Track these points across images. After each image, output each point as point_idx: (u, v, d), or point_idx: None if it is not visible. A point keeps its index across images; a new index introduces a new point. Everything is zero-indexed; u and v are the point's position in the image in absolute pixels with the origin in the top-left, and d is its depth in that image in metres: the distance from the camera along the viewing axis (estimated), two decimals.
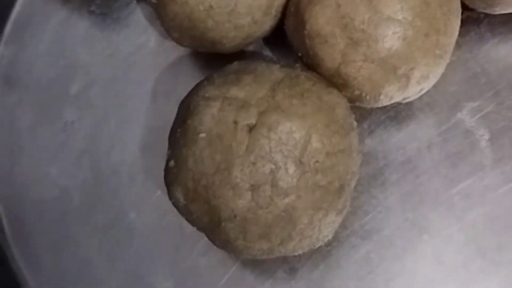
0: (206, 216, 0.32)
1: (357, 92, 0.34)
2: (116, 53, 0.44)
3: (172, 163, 0.33)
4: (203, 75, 0.39)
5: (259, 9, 0.36)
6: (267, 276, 0.38)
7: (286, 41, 0.38)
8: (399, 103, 0.38)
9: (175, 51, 0.43)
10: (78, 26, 0.45)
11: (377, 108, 0.38)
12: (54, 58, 0.45)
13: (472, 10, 0.40)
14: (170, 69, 0.43)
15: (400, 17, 0.33)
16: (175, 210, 0.34)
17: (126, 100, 0.43)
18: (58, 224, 0.41)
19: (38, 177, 0.42)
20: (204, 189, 0.31)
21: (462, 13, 0.37)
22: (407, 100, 0.37)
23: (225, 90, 0.32)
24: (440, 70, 0.36)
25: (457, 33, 0.36)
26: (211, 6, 0.35)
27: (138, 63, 0.44)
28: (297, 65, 0.36)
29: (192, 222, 0.33)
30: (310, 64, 0.35)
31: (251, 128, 0.31)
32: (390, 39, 0.33)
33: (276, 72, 0.33)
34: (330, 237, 0.34)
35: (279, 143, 0.31)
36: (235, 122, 0.31)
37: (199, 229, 0.33)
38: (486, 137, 0.39)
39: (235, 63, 0.35)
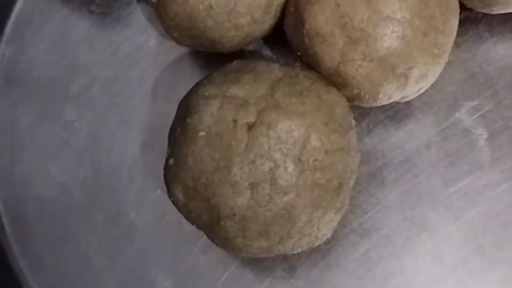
0: (206, 214, 0.32)
1: (356, 91, 0.35)
2: (117, 52, 0.44)
3: (171, 161, 0.33)
4: (203, 74, 0.38)
5: (259, 9, 0.36)
6: (266, 274, 0.38)
7: (286, 41, 0.38)
8: (398, 103, 0.38)
9: (175, 51, 0.43)
10: (79, 26, 0.45)
11: (376, 107, 0.38)
12: (54, 57, 0.45)
13: (470, 10, 0.40)
14: (170, 69, 0.43)
15: (398, 16, 0.33)
16: (175, 208, 0.34)
17: (126, 99, 0.43)
18: (59, 222, 0.41)
19: (38, 175, 0.43)
20: (204, 187, 0.31)
21: (460, 13, 0.37)
22: (405, 100, 0.37)
23: (225, 89, 0.32)
24: (438, 69, 0.36)
25: (455, 32, 0.36)
26: (211, 6, 0.35)
27: (138, 62, 0.44)
28: (297, 64, 0.36)
29: (192, 221, 0.34)
30: (309, 63, 0.36)
31: (250, 127, 0.31)
32: (389, 38, 0.33)
33: (276, 71, 0.33)
34: (329, 235, 0.34)
35: (278, 141, 0.31)
36: (235, 121, 0.31)
37: (198, 227, 0.34)
38: (485, 136, 0.40)
39: (235, 62, 0.35)
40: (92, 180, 0.42)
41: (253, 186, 0.31)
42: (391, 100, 0.36)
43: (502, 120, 0.40)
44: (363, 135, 0.40)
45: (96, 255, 0.40)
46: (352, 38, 0.33)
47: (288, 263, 0.38)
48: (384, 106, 0.38)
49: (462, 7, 0.38)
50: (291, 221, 0.31)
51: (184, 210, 0.33)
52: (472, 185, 0.39)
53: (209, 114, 0.32)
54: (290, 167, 0.31)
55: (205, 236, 0.34)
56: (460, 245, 0.38)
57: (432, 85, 0.37)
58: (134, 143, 0.42)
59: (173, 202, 0.34)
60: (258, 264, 0.38)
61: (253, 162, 0.30)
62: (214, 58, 0.40)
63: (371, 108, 0.40)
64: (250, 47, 0.42)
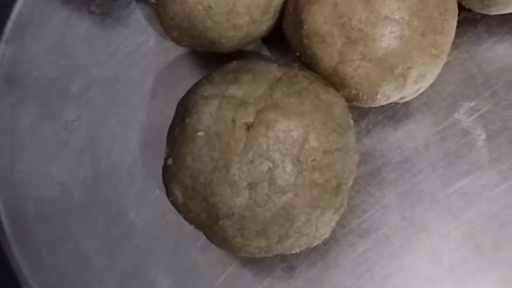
0: (204, 214, 0.32)
1: (354, 92, 0.35)
2: (116, 52, 0.44)
3: (170, 161, 0.33)
4: (202, 74, 0.39)
5: (258, 9, 0.36)
6: (265, 274, 0.38)
7: (285, 41, 0.38)
8: (396, 103, 0.38)
9: (174, 51, 0.43)
10: (78, 26, 0.45)
11: (375, 107, 0.38)
12: (54, 57, 0.45)
13: (469, 10, 0.40)
14: (170, 68, 0.44)
15: (397, 17, 0.33)
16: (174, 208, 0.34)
17: (126, 99, 0.43)
18: (58, 222, 0.42)
19: (38, 175, 0.43)
20: (202, 186, 0.31)
21: (459, 14, 0.37)
22: (404, 100, 0.37)
23: (224, 88, 0.32)
24: (437, 69, 0.36)
25: (453, 33, 0.36)
26: (210, 6, 0.35)
27: (138, 62, 0.44)
28: (295, 64, 0.36)
29: (190, 220, 0.34)
30: (308, 64, 0.36)
31: (249, 127, 0.31)
32: (387, 38, 0.33)
33: (274, 71, 0.33)
34: (327, 235, 0.34)
35: (277, 141, 0.31)
36: (233, 121, 0.31)
37: (197, 227, 0.34)
38: (483, 136, 0.40)
39: (234, 62, 0.35)
40: (92, 179, 0.42)
41: (251, 186, 0.31)
42: (390, 101, 0.36)
43: (500, 120, 0.40)
44: (362, 135, 0.40)
45: (95, 255, 0.40)
46: (351, 38, 0.33)
47: (287, 263, 0.38)
48: (383, 106, 0.38)
49: (461, 8, 0.38)
50: (289, 221, 0.31)
51: (183, 210, 0.33)
52: (471, 185, 0.39)
53: (208, 114, 0.32)
54: (289, 167, 0.31)
55: (204, 236, 0.34)
56: (458, 245, 0.38)
57: (430, 86, 0.37)
58: (134, 142, 0.42)
59: (171, 202, 0.34)
60: (257, 264, 0.38)
61: (251, 162, 0.30)
62: (214, 58, 0.40)
63: (370, 109, 0.40)
64: (249, 48, 0.42)
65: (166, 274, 0.39)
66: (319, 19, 0.34)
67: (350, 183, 0.34)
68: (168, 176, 0.33)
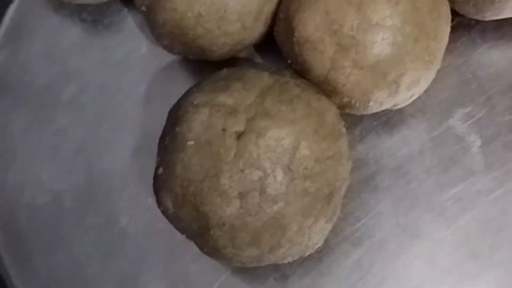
0: (195, 223, 0.32)
1: (346, 99, 0.34)
2: (108, 59, 0.44)
3: (161, 170, 0.33)
4: (194, 80, 0.39)
5: (249, 16, 0.36)
6: (258, 283, 0.38)
7: (277, 48, 0.38)
8: (390, 110, 0.38)
9: (166, 57, 0.43)
10: (71, 33, 0.45)
11: (369, 114, 0.38)
12: (46, 63, 0.45)
13: (463, 16, 0.40)
14: (162, 75, 0.43)
15: (389, 23, 0.33)
16: None
17: (118, 105, 0.43)
18: (50, 229, 0.41)
19: (30, 182, 0.43)
20: (193, 195, 0.31)
21: (453, 19, 0.37)
22: (397, 107, 0.37)
23: (214, 97, 0.32)
24: (430, 76, 0.36)
25: (447, 38, 0.36)
26: (200, 13, 0.35)
27: (130, 69, 0.44)
28: (287, 72, 0.36)
29: (181, 230, 0.33)
30: (300, 71, 0.35)
31: (239, 135, 0.31)
32: (379, 45, 0.33)
33: (265, 78, 0.33)
34: (320, 244, 0.34)
35: (268, 150, 0.30)
36: (224, 129, 0.31)
37: (188, 237, 0.33)
38: (478, 143, 0.39)
39: (224, 69, 0.35)
40: (84, 186, 0.42)
41: (242, 195, 0.30)
42: (383, 108, 0.36)
43: (495, 126, 0.40)
44: (355, 142, 0.40)
45: (87, 262, 0.40)
46: (342, 45, 0.33)
47: (280, 272, 0.38)
48: (376, 113, 0.38)
49: (455, 13, 0.38)
50: (281, 230, 0.31)
51: (174, 220, 0.33)
52: (466, 191, 0.39)
53: (198, 123, 0.31)
54: (280, 176, 0.30)
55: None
56: (453, 250, 0.38)
57: (424, 92, 0.37)
58: (126, 149, 0.42)
59: (162, 212, 0.34)
60: (250, 272, 0.38)
61: (242, 171, 0.30)
62: (206, 65, 0.40)
63: (363, 115, 0.40)
64: (242, 54, 0.42)
65: (158, 282, 0.39)
66: (310, 26, 0.33)
67: (343, 191, 0.34)
68: (159, 185, 0.33)
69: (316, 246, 0.34)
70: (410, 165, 0.39)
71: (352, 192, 0.38)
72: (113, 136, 0.43)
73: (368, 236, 0.38)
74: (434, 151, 0.40)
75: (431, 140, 0.40)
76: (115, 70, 0.44)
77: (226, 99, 0.32)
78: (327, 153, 0.32)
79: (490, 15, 0.38)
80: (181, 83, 0.42)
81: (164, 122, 0.35)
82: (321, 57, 0.34)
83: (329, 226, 0.34)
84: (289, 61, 0.37)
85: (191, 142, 0.31)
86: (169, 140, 0.33)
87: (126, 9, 0.45)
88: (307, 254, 0.34)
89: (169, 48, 0.39)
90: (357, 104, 0.35)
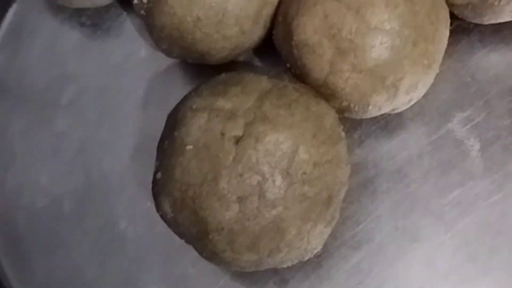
0: (194, 228, 0.32)
1: (345, 103, 0.34)
2: (107, 62, 0.44)
3: (159, 174, 0.33)
4: (193, 84, 0.39)
5: (248, 19, 0.36)
6: (258, 287, 0.38)
7: (276, 52, 0.38)
8: (389, 114, 0.38)
9: (165, 61, 0.43)
10: (70, 36, 0.46)
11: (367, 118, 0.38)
12: (45, 67, 0.45)
13: (462, 19, 0.40)
14: (160, 79, 0.43)
15: (387, 27, 0.33)
16: None
17: (117, 109, 0.43)
18: (49, 232, 0.41)
19: (29, 185, 0.43)
20: (192, 200, 0.31)
21: (452, 23, 0.37)
22: (396, 111, 0.37)
23: (212, 101, 0.32)
24: (429, 79, 0.36)
25: (445, 42, 0.36)
26: (198, 17, 0.35)
27: (129, 72, 0.44)
28: (285, 76, 0.36)
29: (180, 235, 0.33)
30: (299, 75, 0.35)
31: (238, 139, 0.31)
32: (378, 49, 0.33)
33: (264, 82, 0.33)
34: (319, 249, 0.34)
35: (266, 154, 0.30)
36: (222, 134, 0.31)
37: (187, 241, 0.33)
38: (477, 147, 0.39)
39: (223, 74, 0.35)
40: (83, 189, 0.42)
41: (241, 200, 0.30)
42: (382, 112, 0.36)
43: (494, 130, 0.40)
44: (354, 145, 0.40)
45: (86, 264, 0.40)
46: (341, 49, 0.33)
47: (279, 276, 0.38)
48: (375, 117, 0.38)
49: (454, 17, 0.38)
50: (280, 234, 0.31)
51: (173, 224, 0.33)
52: (465, 195, 0.39)
53: (197, 127, 0.31)
54: (278, 180, 0.30)
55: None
56: (452, 254, 0.38)
57: (423, 95, 0.37)
58: (125, 152, 0.42)
59: (161, 216, 0.34)
60: (249, 277, 0.38)
61: (241, 175, 0.30)
62: (205, 68, 0.40)
63: (362, 119, 0.40)
64: (241, 58, 0.42)
65: (157, 286, 0.39)
66: (309, 30, 0.33)
67: (342, 195, 0.34)
68: (158, 189, 0.33)
69: (315, 251, 0.34)
70: (409, 169, 0.39)
71: (351, 196, 0.38)
72: (112, 139, 0.43)
73: (367, 240, 0.38)
74: (433, 154, 0.39)
75: (430, 144, 0.40)
76: (114, 73, 0.44)
77: (225, 103, 0.32)
78: (326, 157, 0.32)
79: (489, 19, 0.38)
80: (180, 87, 0.42)
81: (162, 126, 0.35)
82: (320, 60, 0.33)
83: (328, 230, 0.34)
84: (288, 65, 0.37)
85: (189, 147, 0.31)
86: (168, 144, 0.33)
87: (125, 13, 0.46)
88: (306, 258, 0.34)
89: (168, 52, 0.39)
90: (356, 108, 0.35)
